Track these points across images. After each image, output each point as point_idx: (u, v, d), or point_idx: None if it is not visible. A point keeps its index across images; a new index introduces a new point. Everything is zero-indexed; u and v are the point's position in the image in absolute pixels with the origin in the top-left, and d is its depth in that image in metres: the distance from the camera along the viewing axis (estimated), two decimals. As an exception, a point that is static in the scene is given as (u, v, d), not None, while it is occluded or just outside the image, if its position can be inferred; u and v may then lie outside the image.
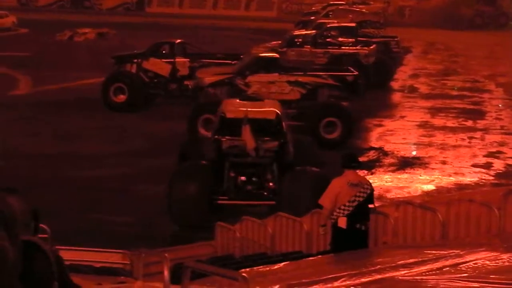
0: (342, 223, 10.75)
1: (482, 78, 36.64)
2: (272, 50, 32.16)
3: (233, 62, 27.02)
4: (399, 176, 20.98)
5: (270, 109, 18.40)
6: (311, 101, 24.18)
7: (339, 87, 24.92)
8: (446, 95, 32.57)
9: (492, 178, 20.81)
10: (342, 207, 10.76)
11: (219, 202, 16.94)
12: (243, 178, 17.01)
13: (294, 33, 34.30)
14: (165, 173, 17.88)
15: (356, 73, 26.84)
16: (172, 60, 28.30)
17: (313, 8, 49.15)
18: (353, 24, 35.91)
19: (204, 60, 27.88)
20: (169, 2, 64.42)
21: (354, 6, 46.95)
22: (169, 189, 16.90)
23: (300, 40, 32.66)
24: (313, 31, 34.42)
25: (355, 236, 10.79)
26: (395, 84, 35.35)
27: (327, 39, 33.34)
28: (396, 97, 33.00)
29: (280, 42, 33.46)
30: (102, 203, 18.61)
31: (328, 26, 35.25)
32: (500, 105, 30.72)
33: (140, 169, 21.13)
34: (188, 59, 28.28)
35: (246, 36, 39.58)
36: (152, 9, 64.30)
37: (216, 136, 17.61)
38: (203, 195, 16.71)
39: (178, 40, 29.51)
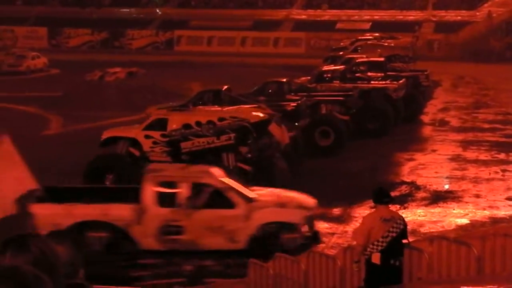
0: (376, 259, 10.65)
1: (513, 110, 36.40)
2: (301, 86, 32.24)
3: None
4: (432, 210, 20.78)
5: (264, 112, 22.71)
6: None
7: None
8: (478, 128, 32.35)
9: (527, 211, 20.54)
10: (376, 243, 10.67)
11: None
12: (248, 167, 21.46)
13: (323, 69, 34.31)
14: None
15: (296, 103, 27.37)
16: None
17: (342, 44, 49.20)
18: (382, 59, 35.87)
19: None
20: (198, 40, 64.87)
21: (383, 40, 46.91)
22: None
23: (329, 75, 32.66)
24: (342, 66, 34.43)
25: (389, 272, 10.69)
26: (425, 118, 35.22)
27: (356, 74, 33.32)
28: (427, 130, 32.84)
29: (309, 78, 33.49)
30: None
31: (357, 61, 35.24)
32: (532, 138, 30.44)
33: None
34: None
35: (275, 73, 39.60)
36: (181, 47, 64.77)
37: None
38: None
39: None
